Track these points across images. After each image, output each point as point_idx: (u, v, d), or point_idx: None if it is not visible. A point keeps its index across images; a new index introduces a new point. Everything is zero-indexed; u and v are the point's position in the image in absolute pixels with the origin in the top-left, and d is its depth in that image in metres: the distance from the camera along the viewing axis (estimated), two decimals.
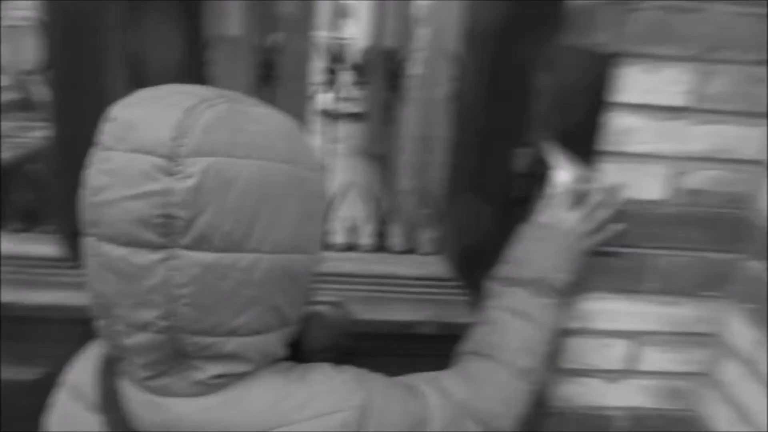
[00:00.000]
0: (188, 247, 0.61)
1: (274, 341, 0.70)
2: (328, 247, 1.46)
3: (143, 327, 0.64)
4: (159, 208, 0.60)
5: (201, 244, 0.61)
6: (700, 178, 1.04)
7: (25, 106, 4.36)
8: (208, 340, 0.65)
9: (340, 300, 1.36)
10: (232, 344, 0.65)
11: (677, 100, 1.00)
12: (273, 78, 1.33)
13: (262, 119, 0.67)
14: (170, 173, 0.60)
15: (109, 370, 0.71)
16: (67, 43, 1.20)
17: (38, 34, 1.21)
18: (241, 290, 0.64)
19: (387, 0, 6.38)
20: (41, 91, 1.26)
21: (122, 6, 1.19)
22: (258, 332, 0.67)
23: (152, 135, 0.61)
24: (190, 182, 0.60)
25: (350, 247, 1.47)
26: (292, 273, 0.69)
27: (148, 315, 0.63)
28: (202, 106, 0.63)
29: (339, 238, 1.51)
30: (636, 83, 0.99)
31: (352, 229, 1.50)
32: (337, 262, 1.43)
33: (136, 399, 0.69)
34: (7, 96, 4.23)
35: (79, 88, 1.22)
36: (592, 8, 1.07)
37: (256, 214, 0.63)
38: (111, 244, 0.62)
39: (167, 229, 0.60)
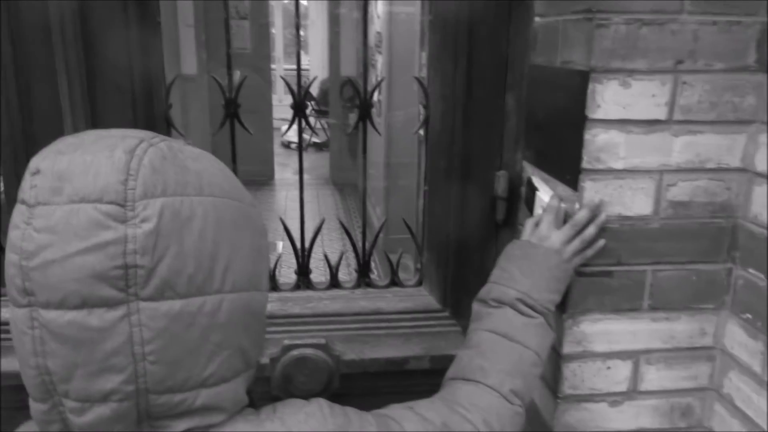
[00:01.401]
0: (151, 298, 0.56)
1: (242, 386, 0.67)
2: (309, 286, 1.41)
3: (104, 398, 0.57)
4: (117, 258, 0.54)
5: (164, 292, 0.57)
6: (685, 189, 1.02)
7: None
8: (178, 397, 0.59)
9: (324, 341, 1.31)
10: (202, 397, 0.61)
11: (655, 113, 0.99)
12: (237, 114, 1.28)
13: (198, 157, 0.64)
14: (124, 219, 0.55)
15: None
16: (15, 91, 1.14)
17: None
18: (209, 336, 0.60)
19: (341, 30, 6.41)
20: None
21: (74, 48, 1.14)
22: (226, 379, 0.63)
23: (95, 181, 0.55)
24: (147, 226, 0.55)
25: (331, 285, 1.42)
26: (253, 311, 0.66)
27: (109, 383, 0.57)
28: (143, 146, 0.58)
29: (318, 276, 1.46)
30: (613, 98, 0.97)
31: (331, 266, 1.45)
32: (318, 302, 1.38)
33: None
34: None
35: (32, 137, 1.16)
36: (561, 26, 1.06)
37: (216, 254, 0.60)
38: (57, 310, 0.55)
39: (127, 282, 0.55)
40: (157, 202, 0.56)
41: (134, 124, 1.20)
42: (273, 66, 8.61)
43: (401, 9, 4.31)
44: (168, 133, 1.27)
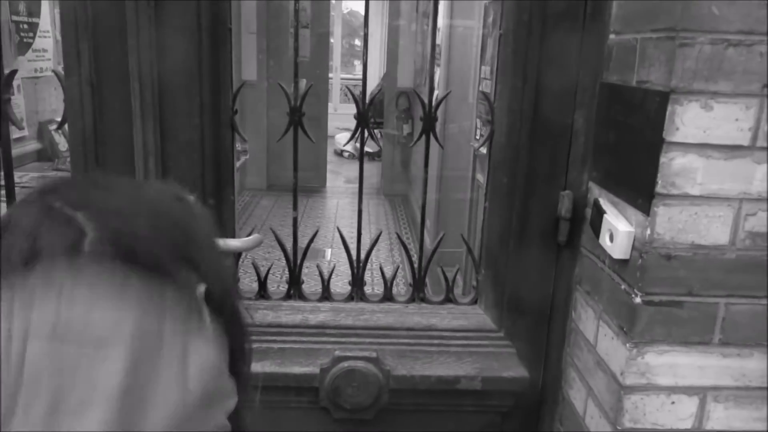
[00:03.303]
0: None
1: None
2: (362, 298, 1.40)
3: None
4: None
5: None
6: (766, 220, 0.96)
7: (46, 155, 4.40)
8: None
9: (375, 355, 1.29)
10: None
11: (738, 138, 0.94)
12: (301, 122, 1.29)
13: None
14: None
15: None
16: (90, 93, 1.16)
17: (60, 85, 1.19)
18: None
19: (400, 40, 6.43)
20: (63, 141, 1.22)
21: (147, 52, 1.16)
22: None
23: None
24: None
25: (384, 298, 1.40)
26: None
27: None
28: None
29: (372, 288, 1.45)
30: (693, 121, 0.93)
31: (385, 279, 1.43)
32: (371, 315, 1.37)
33: None
34: (30, 146, 4.26)
35: (101, 139, 1.19)
36: (639, 44, 1.02)
37: None
38: None
39: None
40: None
41: (200, 129, 1.21)
42: (330, 75, 8.70)
43: (460, 22, 4.29)
44: (232, 139, 1.28)
